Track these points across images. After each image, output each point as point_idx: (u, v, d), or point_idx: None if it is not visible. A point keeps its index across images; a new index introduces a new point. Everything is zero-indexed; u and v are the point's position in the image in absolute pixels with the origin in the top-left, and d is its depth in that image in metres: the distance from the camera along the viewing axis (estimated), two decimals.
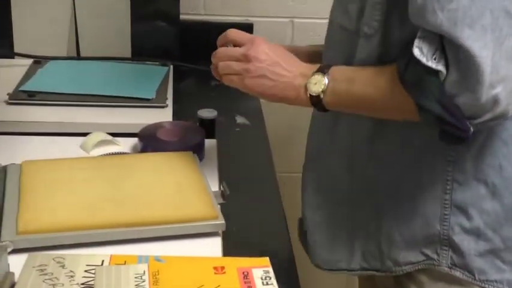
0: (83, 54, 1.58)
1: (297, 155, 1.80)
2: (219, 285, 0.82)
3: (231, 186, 1.04)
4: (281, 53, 0.99)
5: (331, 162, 1.06)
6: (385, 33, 0.92)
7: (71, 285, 0.81)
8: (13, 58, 1.54)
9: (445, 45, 0.82)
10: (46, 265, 0.84)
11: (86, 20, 1.56)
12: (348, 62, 0.96)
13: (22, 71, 1.46)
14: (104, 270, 0.84)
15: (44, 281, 0.81)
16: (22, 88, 1.36)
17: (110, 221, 0.93)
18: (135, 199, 0.98)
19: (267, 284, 0.83)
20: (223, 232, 0.96)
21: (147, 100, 1.35)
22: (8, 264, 0.84)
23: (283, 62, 0.98)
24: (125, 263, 0.85)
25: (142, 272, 0.83)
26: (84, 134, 1.21)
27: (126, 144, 1.21)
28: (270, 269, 0.86)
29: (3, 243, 0.87)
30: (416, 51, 0.83)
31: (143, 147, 1.16)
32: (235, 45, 1.02)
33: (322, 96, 0.94)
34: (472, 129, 0.85)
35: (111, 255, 0.87)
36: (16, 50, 1.54)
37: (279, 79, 0.97)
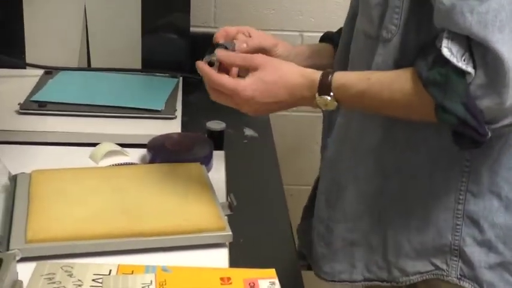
0: (93, 65, 1.59)
1: (304, 167, 1.81)
2: None
3: (239, 198, 1.04)
4: (269, 88, 0.96)
5: (341, 173, 1.06)
6: (402, 37, 0.93)
7: None
8: (25, 68, 1.55)
9: (473, 47, 0.82)
10: (54, 274, 0.85)
11: (97, 32, 1.58)
12: (372, 69, 0.96)
13: (33, 81, 1.47)
14: (111, 279, 0.84)
15: None
16: (33, 98, 1.37)
17: (118, 231, 0.94)
18: (143, 209, 0.99)
19: None
20: (230, 243, 0.97)
21: (157, 111, 1.36)
22: (17, 273, 0.85)
23: (283, 91, 0.96)
24: (132, 273, 0.86)
25: (149, 282, 0.84)
26: (94, 144, 1.22)
27: (134, 155, 1.22)
28: (276, 281, 0.86)
29: (12, 251, 0.88)
30: (446, 52, 0.83)
31: (152, 158, 1.17)
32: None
33: (334, 108, 0.95)
34: (489, 134, 0.85)
35: (118, 265, 0.88)
36: (28, 60, 1.56)
37: (281, 106, 0.98)
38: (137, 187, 1.05)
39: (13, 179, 1.07)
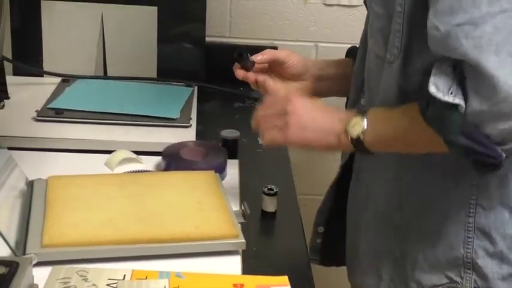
0: (109, 73, 1.61)
1: (318, 177, 1.81)
2: None
3: (252, 207, 1.05)
4: (317, 105, 1.01)
5: (363, 187, 1.08)
6: (404, 60, 0.93)
7: None
8: (42, 76, 1.57)
9: (467, 75, 0.83)
10: (69, 278, 0.86)
11: (114, 41, 1.60)
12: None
13: (51, 89, 1.49)
14: (126, 284, 0.85)
15: None
16: (50, 105, 1.39)
17: (133, 237, 0.95)
18: (157, 216, 1.00)
19: None
20: (243, 251, 0.97)
21: (172, 120, 1.37)
22: (33, 276, 0.86)
23: (321, 111, 0.99)
24: (146, 278, 0.87)
25: (163, 287, 0.85)
26: (109, 152, 1.24)
27: (149, 163, 1.23)
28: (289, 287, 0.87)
29: (29, 255, 0.89)
30: (432, 89, 0.84)
31: (166, 165, 1.18)
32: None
33: (362, 137, 0.95)
34: (504, 154, 0.85)
35: (132, 270, 0.89)
36: (45, 68, 1.58)
37: (319, 128, 0.98)
38: (152, 194, 1.06)
39: (30, 184, 1.09)
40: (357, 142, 0.95)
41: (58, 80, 1.55)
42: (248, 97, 1.60)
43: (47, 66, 1.59)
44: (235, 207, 1.07)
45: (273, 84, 1.14)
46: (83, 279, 0.86)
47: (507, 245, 0.97)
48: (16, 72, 1.57)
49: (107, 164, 1.21)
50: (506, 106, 0.81)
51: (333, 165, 1.58)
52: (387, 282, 1.05)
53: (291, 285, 0.87)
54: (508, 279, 0.98)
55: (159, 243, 0.95)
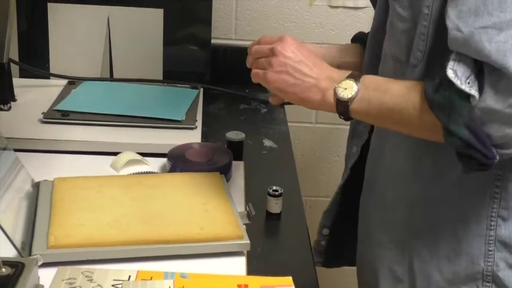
0: (115, 76, 1.62)
1: (323, 179, 1.82)
2: None
3: (257, 208, 1.05)
4: (309, 54, 0.98)
5: (371, 196, 1.07)
6: (428, 64, 0.92)
7: None
8: (49, 79, 1.58)
9: (486, 72, 0.81)
10: (75, 279, 0.87)
11: (120, 43, 1.60)
12: None
13: (57, 91, 1.50)
14: (131, 285, 0.86)
15: None
16: (56, 107, 1.40)
17: (138, 238, 0.95)
18: (162, 217, 1.00)
19: None
20: (247, 252, 0.98)
21: (177, 122, 1.38)
22: (38, 277, 0.86)
23: (309, 62, 0.97)
24: (151, 279, 0.87)
25: None
26: (115, 153, 1.24)
27: (155, 164, 1.24)
28: None
29: (34, 256, 0.89)
30: (450, 73, 0.82)
31: (172, 167, 1.19)
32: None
33: (349, 103, 0.92)
34: (497, 157, 0.84)
35: (137, 271, 0.89)
36: (52, 71, 1.59)
37: (302, 78, 0.95)
38: (157, 195, 1.06)
39: (36, 186, 1.09)
40: (342, 106, 0.93)
41: (64, 82, 1.56)
42: (253, 99, 1.61)
43: (53, 68, 1.59)
44: (240, 208, 1.07)
45: None
46: (88, 280, 0.86)
47: None
48: (23, 75, 1.58)
49: (112, 165, 1.22)
50: None
51: (338, 167, 1.59)
52: None
53: (296, 286, 0.88)
54: None
55: (164, 244, 0.95)
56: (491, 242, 0.96)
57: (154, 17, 1.59)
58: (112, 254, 0.93)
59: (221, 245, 0.97)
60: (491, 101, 0.81)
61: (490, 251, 0.96)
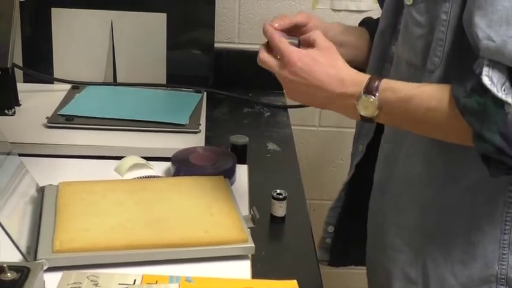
0: (119, 80, 1.62)
1: (327, 182, 1.82)
2: None
3: (261, 211, 1.05)
4: (317, 67, 0.94)
5: (384, 201, 1.07)
6: (445, 69, 0.92)
7: None
8: (53, 83, 1.58)
9: None
10: (80, 283, 0.87)
11: (123, 48, 1.61)
12: None
13: (61, 95, 1.50)
14: None
15: None
16: (60, 112, 1.40)
17: (143, 242, 0.95)
18: (167, 221, 1.00)
19: None
20: (252, 255, 0.98)
21: (181, 126, 1.38)
22: (44, 282, 0.87)
23: (319, 78, 0.94)
24: (156, 283, 0.88)
25: None
26: (119, 158, 1.24)
27: (159, 168, 1.24)
28: None
29: (40, 261, 0.90)
30: (486, 80, 0.82)
31: (176, 171, 1.19)
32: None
33: (374, 119, 0.92)
34: None
35: (143, 275, 0.89)
36: (56, 75, 1.59)
37: (319, 94, 0.95)
38: (161, 199, 1.07)
39: (41, 190, 1.09)
40: (367, 119, 0.93)
41: (68, 86, 1.56)
42: (257, 102, 1.61)
43: (57, 73, 1.60)
44: (245, 212, 1.07)
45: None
46: (94, 284, 0.87)
47: None
48: (27, 79, 1.58)
49: (116, 170, 1.22)
50: None
51: (342, 170, 1.59)
52: None
53: None
54: None
55: (169, 248, 0.95)
56: (505, 245, 0.96)
57: (158, 22, 1.59)
58: (117, 258, 0.93)
59: (226, 248, 0.97)
60: None
61: (504, 254, 0.97)
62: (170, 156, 1.22)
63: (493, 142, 0.83)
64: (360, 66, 1.08)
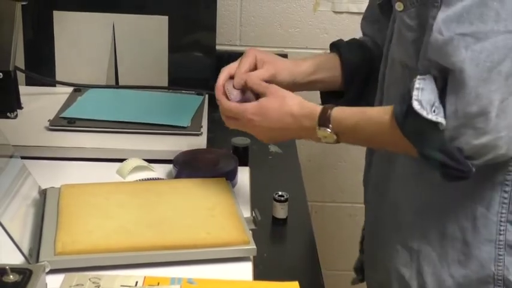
0: (121, 83, 1.62)
1: (329, 185, 1.82)
2: None
3: (263, 213, 1.06)
4: (270, 114, 1.01)
5: (382, 204, 1.08)
6: None
7: None
8: (55, 86, 1.59)
9: (450, 86, 0.84)
10: (82, 285, 0.87)
11: (125, 50, 1.61)
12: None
13: (63, 98, 1.51)
14: None
15: None
16: (62, 115, 1.40)
17: (145, 244, 0.95)
18: (168, 223, 1.01)
19: None
20: (254, 257, 0.98)
21: (183, 128, 1.38)
22: (46, 284, 0.87)
23: (275, 122, 1.01)
24: (158, 284, 0.88)
25: None
26: (121, 160, 1.25)
27: (161, 171, 1.24)
28: None
29: (42, 263, 0.90)
30: (416, 105, 0.85)
31: (178, 173, 1.19)
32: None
33: (335, 143, 0.98)
34: (473, 169, 0.87)
35: (144, 277, 0.90)
36: (58, 78, 1.60)
37: (285, 134, 1.02)
38: (163, 202, 1.07)
39: (43, 193, 1.10)
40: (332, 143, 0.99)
41: (70, 89, 1.56)
42: None
43: (59, 76, 1.60)
44: (246, 213, 1.07)
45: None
46: (96, 286, 0.87)
47: None
48: (29, 82, 1.59)
49: (118, 172, 1.22)
50: (481, 121, 0.83)
51: (343, 172, 1.59)
52: None
53: None
54: None
55: (171, 250, 0.95)
56: (501, 246, 0.97)
57: (159, 24, 1.59)
58: (119, 260, 0.94)
59: (227, 250, 0.97)
60: (455, 119, 0.84)
61: (500, 255, 0.97)
62: (172, 158, 1.22)
63: (435, 158, 0.86)
64: (338, 89, 1.16)
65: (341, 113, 0.97)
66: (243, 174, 1.23)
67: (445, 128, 0.85)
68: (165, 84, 1.63)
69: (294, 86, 1.11)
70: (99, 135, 1.35)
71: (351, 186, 1.79)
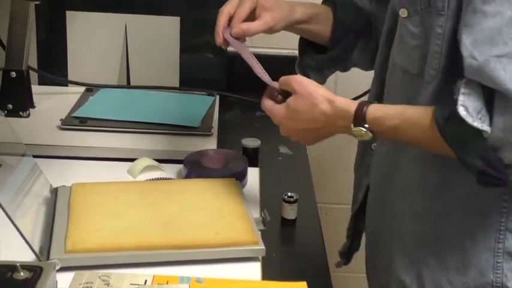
0: (133, 83, 1.63)
1: (339, 186, 1.82)
2: None
3: (272, 214, 1.06)
4: (300, 116, 0.99)
5: (382, 208, 1.08)
6: (441, 80, 0.93)
7: None
8: (67, 86, 1.60)
9: (497, 100, 0.83)
10: (92, 283, 0.88)
11: (137, 51, 1.62)
12: (410, 103, 0.95)
13: (75, 98, 1.52)
14: None
15: None
16: (74, 114, 1.41)
17: (154, 243, 0.96)
18: (178, 223, 1.01)
19: None
20: (262, 257, 0.98)
21: (193, 128, 1.39)
22: (56, 281, 0.88)
23: (309, 122, 0.99)
24: (167, 283, 0.88)
25: None
26: (132, 160, 1.25)
27: (171, 170, 1.25)
28: None
29: (52, 261, 0.91)
30: (461, 110, 0.83)
31: (188, 173, 1.20)
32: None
33: (373, 141, 0.99)
34: (510, 177, 0.86)
35: (154, 275, 0.90)
36: (70, 78, 1.61)
37: (319, 133, 1.01)
38: (173, 201, 1.07)
39: (54, 191, 1.11)
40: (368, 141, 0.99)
41: (82, 89, 1.57)
42: None
43: (71, 75, 1.61)
44: (256, 214, 1.08)
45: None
46: (105, 284, 0.87)
47: None
48: (41, 82, 1.60)
49: (129, 171, 1.23)
50: None
51: (353, 174, 1.58)
52: None
53: None
54: None
55: (180, 249, 0.96)
56: (499, 254, 0.97)
57: (171, 25, 1.60)
58: (128, 259, 0.94)
59: (236, 250, 0.97)
60: (501, 132, 0.83)
61: (499, 262, 0.97)
62: (182, 158, 1.23)
63: (475, 166, 0.85)
64: (323, 44, 1.18)
65: (378, 111, 0.94)
66: (253, 175, 1.23)
67: (491, 137, 0.83)
68: (176, 84, 1.63)
69: (284, 29, 1.14)
70: (110, 135, 1.35)
71: None
